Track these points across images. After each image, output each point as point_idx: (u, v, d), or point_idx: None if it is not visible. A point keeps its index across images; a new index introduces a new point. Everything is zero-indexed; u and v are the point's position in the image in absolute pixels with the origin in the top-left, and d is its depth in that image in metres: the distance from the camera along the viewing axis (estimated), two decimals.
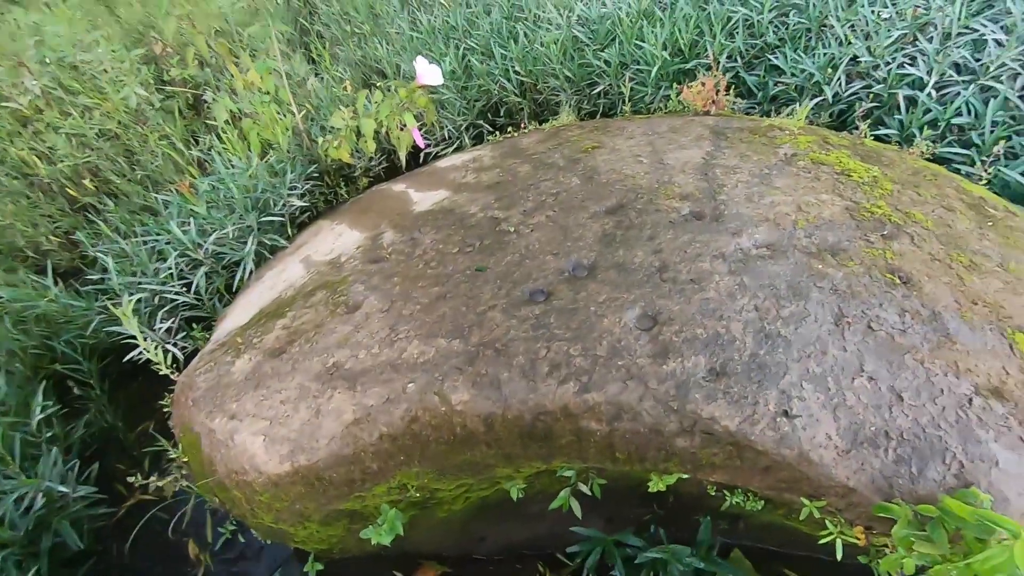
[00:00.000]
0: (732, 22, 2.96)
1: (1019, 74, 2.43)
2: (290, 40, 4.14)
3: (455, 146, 3.32)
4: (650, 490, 1.62)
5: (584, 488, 1.83)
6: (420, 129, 3.11)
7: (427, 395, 1.64)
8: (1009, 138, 2.35)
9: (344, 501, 1.78)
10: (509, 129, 3.20)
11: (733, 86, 2.90)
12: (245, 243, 2.81)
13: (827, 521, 1.49)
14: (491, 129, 3.28)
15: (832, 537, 1.48)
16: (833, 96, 2.66)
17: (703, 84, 2.73)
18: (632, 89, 3.04)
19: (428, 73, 2.57)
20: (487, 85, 3.29)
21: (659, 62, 2.92)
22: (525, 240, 2.03)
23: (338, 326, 1.96)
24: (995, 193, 2.24)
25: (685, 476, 1.62)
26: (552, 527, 2.08)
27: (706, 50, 2.90)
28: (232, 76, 3.02)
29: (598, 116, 3.18)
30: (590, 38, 3.17)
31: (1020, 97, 2.40)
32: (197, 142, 3.53)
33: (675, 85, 2.90)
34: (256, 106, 3.08)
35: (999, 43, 2.52)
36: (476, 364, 1.65)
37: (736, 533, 2.06)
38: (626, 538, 1.88)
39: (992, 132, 2.33)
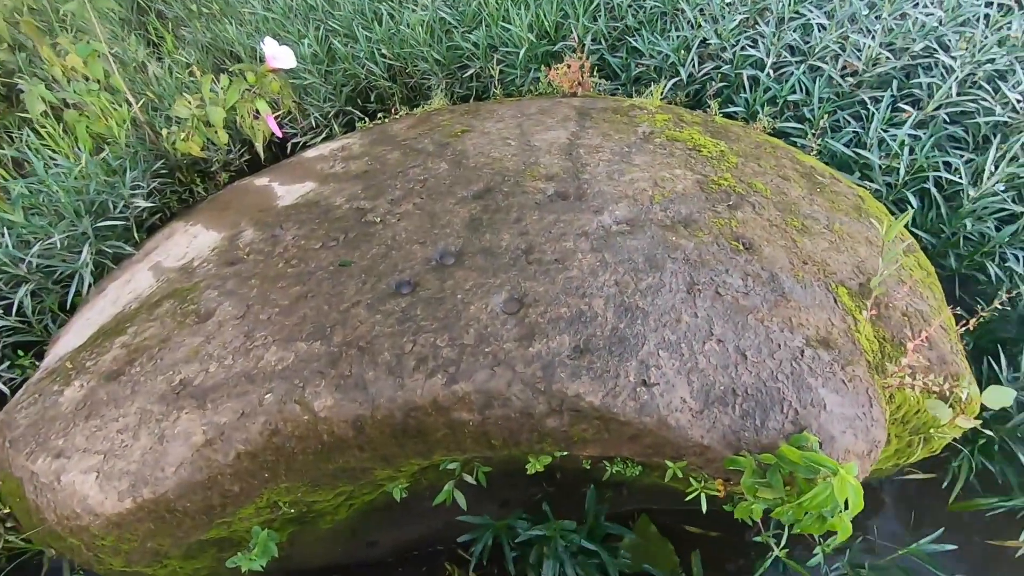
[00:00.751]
0: (594, 4, 3.02)
1: (839, 55, 2.70)
2: (124, 20, 3.67)
3: (324, 135, 3.13)
4: (528, 471, 1.63)
5: (469, 478, 1.80)
6: (278, 117, 2.89)
7: (287, 404, 1.53)
8: (834, 112, 2.61)
9: (205, 530, 1.62)
10: (380, 115, 3.06)
11: (598, 68, 2.97)
12: (80, 253, 2.47)
13: (691, 478, 1.58)
14: (362, 115, 3.12)
15: (697, 492, 1.57)
16: (688, 76, 2.81)
17: (569, 66, 2.77)
18: (502, 71, 3.02)
19: (279, 55, 2.38)
20: (353, 69, 3.12)
21: (526, 44, 2.92)
22: (392, 230, 1.95)
23: (186, 338, 1.77)
24: (824, 162, 2.48)
25: (561, 454, 1.64)
26: (447, 520, 2.05)
27: (571, 32, 2.94)
28: (48, 61, 2.61)
29: (471, 100, 3.13)
30: (457, 20, 3.10)
31: (841, 76, 2.67)
32: (12, 139, 3.04)
33: (543, 67, 2.92)
34: (83, 95, 2.70)
35: (822, 27, 2.78)
36: (339, 365, 1.56)
37: (622, 500, 2.15)
38: (514, 521, 1.89)
39: (820, 107, 2.58)
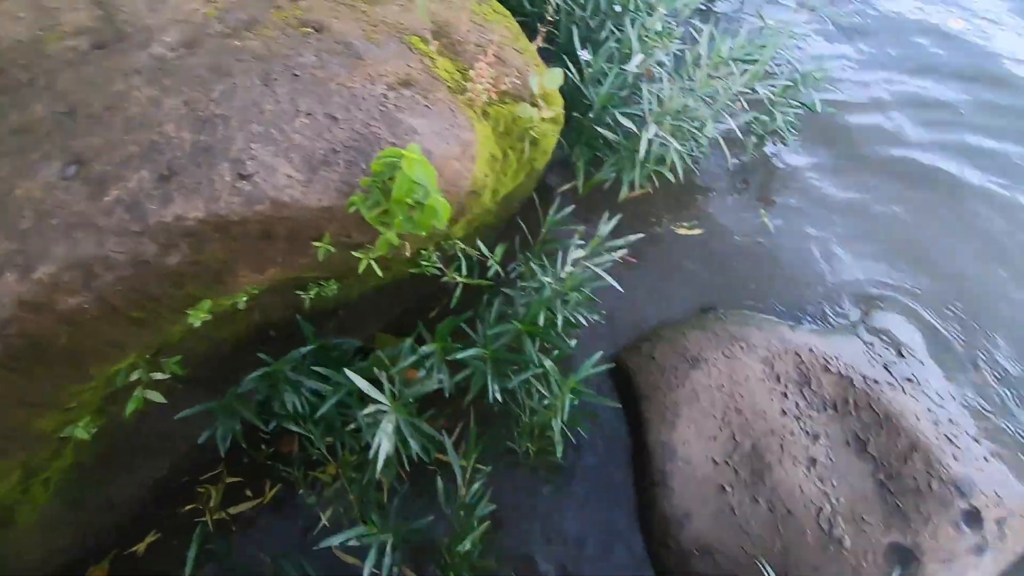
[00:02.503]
0: None
1: None
2: None
3: None
4: (192, 324, 1.53)
5: (161, 375, 1.64)
6: None
7: None
8: None
9: None
10: None
11: None
12: None
13: (354, 252, 1.65)
14: None
15: (365, 262, 1.66)
16: None
17: None
18: None
19: None
20: None
21: None
22: None
23: None
24: None
25: (230, 300, 1.57)
26: (180, 442, 1.90)
27: None
28: None
29: None
30: None
31: None
32: None
33: None
34: None
35: None
36: None
37: (349, 324, 2.21)
38: (234, 391, 1.82)
39: None
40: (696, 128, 2.63)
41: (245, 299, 1.70)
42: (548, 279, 1.92)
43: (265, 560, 1.95)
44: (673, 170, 2.67)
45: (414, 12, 2.00)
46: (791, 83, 2.87)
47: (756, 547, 1.84)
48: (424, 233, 1.44)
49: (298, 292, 1.85)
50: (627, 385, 2.19)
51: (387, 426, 1.68)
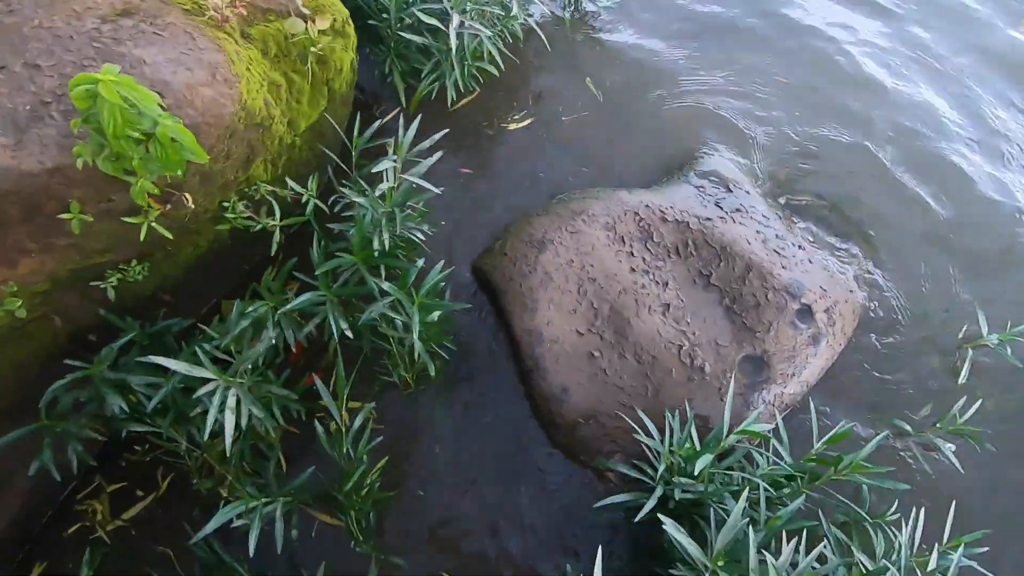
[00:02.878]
0: None
1: None
2: None
3: None
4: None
5: None
6: None
7: None
8: None
9: None
10: None
11: None
12: None
13: (127, 219, 1.46)
14: None
15: (145, 226, 1.47)
16: None
17: None
18: None
19: None
20: None
21: None
22: None
23: None
24: None
25: None
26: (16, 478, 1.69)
27: None
28: None
29: None
30: None
31: None
32: None
33: None
34: None
35: None
36: None
37: (178, 300, 2.01)
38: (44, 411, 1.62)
39: None
40: (503, 11, 2.53)
41: (19, 304, 1.48)
42: (363, 201, 1.81)
43: (168, 553, 1.84)
44: (493, 62, 2.59)
45: None
46: None
47: (632, 398, 1.95)
48: (180, 173, 1.29)
49: (97, 283, 1.64)
50: (488, 286, 2.18)
51: (229, 400, 1.57)
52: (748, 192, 2.37)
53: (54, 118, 1.26)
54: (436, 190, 1.85)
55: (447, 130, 1.91)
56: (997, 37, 3.48)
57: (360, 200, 1.77)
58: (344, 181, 1.98)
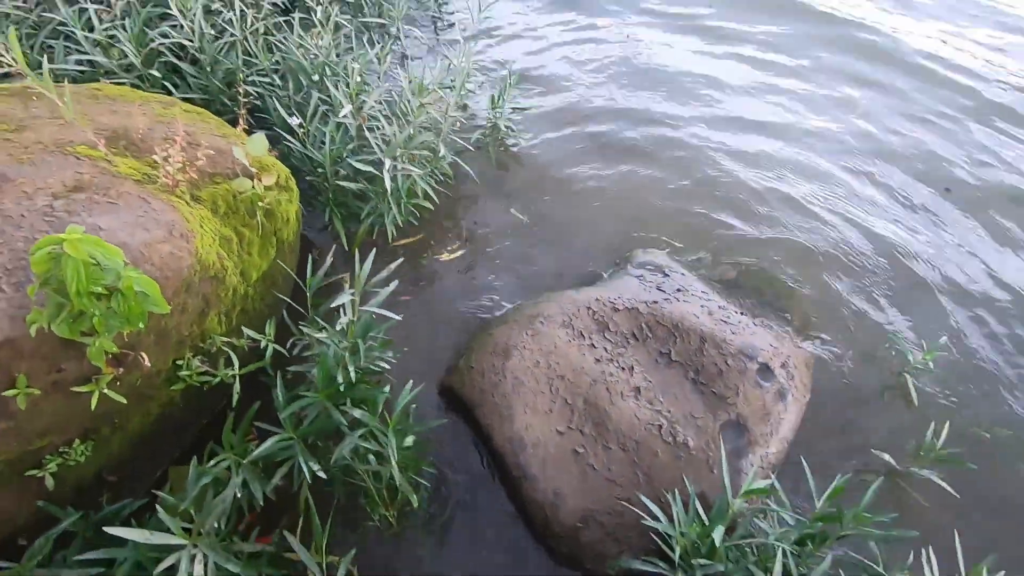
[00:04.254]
0: None
1: None
2: None
3: None
4: None
5: None
6: None
7: None
8: None
9: None
10: None
11: None
12: None
13: (77, 389, 1.38)
14: None
15: (96, 395, 1.39)
16: None
17: None
18: None
19: None
20: None
21: None
22: None
23: None
24: None
25: None
26: None
27: None
28: None
29: None
30: None
31: None
32: None
33: None
34: None
35: None
36: None
37: (124, 478, 1.83)
38: None
39: None
40: (432, 153, 2.79)
41: None
42: (322, 336, 1.81)
43: None
44: (428, 198, 2.79)
45: (77, 126, 1.82)
46: (495, 93, 3.24)
47: (625, 489, 1.90)
48: (142, 325, 1.26)
49: (33, 473, 1.49)
50: (460, 403, 2.15)
51: (196, 567, 1.39)
52: (683, 274, 2.57)
53: (4, 291, 1.24)
54: (396, 316, 1.88)
55: (401, 259, 2.01)
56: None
57: (320, 336, 1.77)
58: (301, 323, 1.98)
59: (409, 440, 1.80)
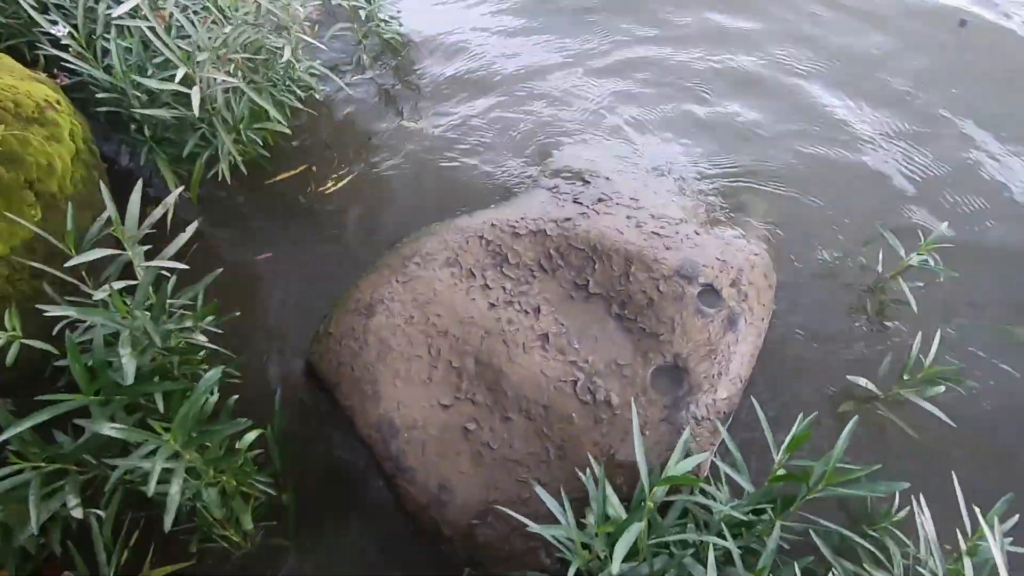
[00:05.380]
0: None
1: None
2: None
3: None
4: None
5: None
6: None
7: None
8: None
9: None
10: None
11: None
12: None
13: None
14: None
15: None
16: None
17: None
18: None
19: None
20: None
21: None
22: None
23: None
24: None
25: None
26: None
27: None
28: None
29: None
30: None
31: None
32: None
33: None
34: None
35: None
36: None
37: None
38: None
39: None
40: (278, 61, 2.14)
41: None
42: (99, 318, 1.29)
43: None
44: (283, 119, 2.18)
45: None
46: None
47: (532, 469, 1.46)
48: None
49: None
50: (321, 384, 1.67)
51: None
52: (609, 179, 2.02)
53: None
54: (181, 266, 1.35)
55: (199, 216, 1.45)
56: None
57: (95, 317, 1.25)
58: (72, 298, 1.45)
59: (251, 437, 1.34)
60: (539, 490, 1.27)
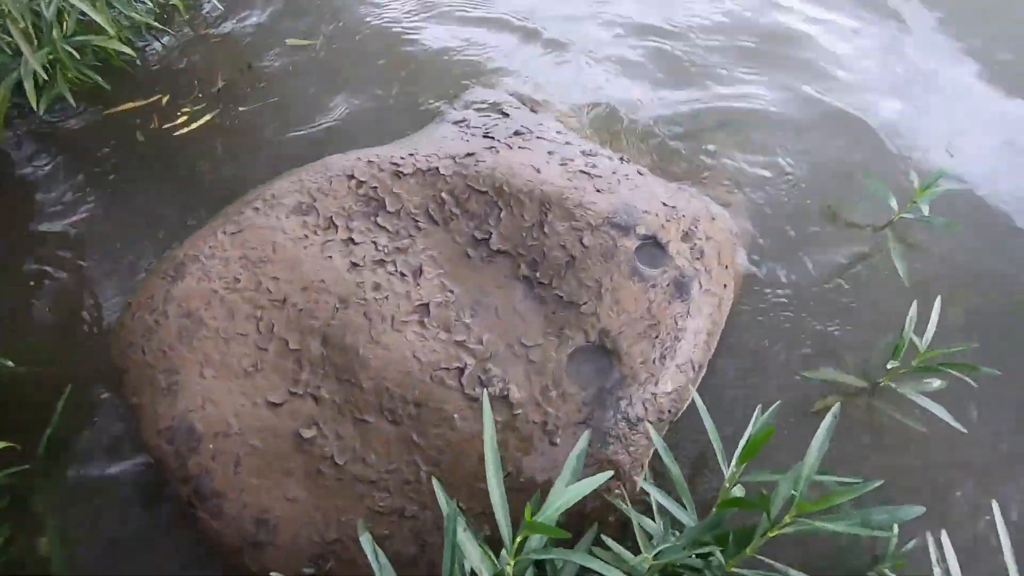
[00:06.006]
0: None
1: None
2: None
3: None
4: None
5: None
6: None
7: None
8: None
9: None
10: None
11: None
12: None
13: None
14: None
15: None
16: None
17: None
18: None
19: None
20: None
21: None
22: None
23: None
24: None
25: None
26: None
27: None
28: None
29: None
30: None
31: None
32: None
33: None
34: None
35: None
36: None
37: None
38: None
39: None
40: None
41: None
42: None
43: None
44: (116, 35, 1.69)
45: None
46: None
47: (394, 495, 1.02)
48: None
49: None
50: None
51: None
52: (534, 111, 1.58)
53: None
54: None
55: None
56: None
57: None
58: None
59: None
60: (365, 539, 0.82)
